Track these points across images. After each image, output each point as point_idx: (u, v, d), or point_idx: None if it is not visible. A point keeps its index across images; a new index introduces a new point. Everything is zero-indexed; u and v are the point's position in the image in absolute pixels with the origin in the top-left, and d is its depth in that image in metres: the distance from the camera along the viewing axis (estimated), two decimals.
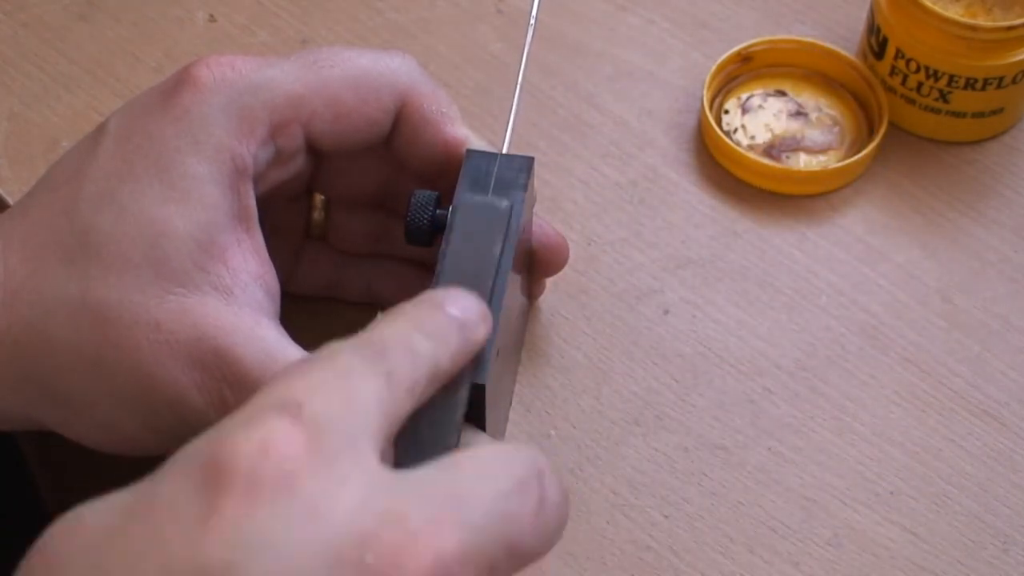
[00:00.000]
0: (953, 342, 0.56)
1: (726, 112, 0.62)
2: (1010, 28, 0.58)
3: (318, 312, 0.54)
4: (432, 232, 0.48)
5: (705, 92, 0.61)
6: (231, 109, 0.46)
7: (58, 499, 0.84)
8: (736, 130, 0.61)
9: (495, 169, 0.48)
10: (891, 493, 0.52)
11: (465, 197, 0.47)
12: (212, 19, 0.65)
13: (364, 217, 0.53)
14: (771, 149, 0.60)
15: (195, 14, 0.65)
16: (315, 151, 0.49)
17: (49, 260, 0.45)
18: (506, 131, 0.50)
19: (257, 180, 0.47)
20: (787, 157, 0.60)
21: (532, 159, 0.49)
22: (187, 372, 0.44)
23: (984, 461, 0.53)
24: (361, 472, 0.34)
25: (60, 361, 0.45)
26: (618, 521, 0.51)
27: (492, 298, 0.44)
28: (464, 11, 0.66)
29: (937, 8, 0.58)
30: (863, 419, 0.54)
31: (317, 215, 0.53)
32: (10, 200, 0.58)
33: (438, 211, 0.48)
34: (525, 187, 0.48)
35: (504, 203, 0.46)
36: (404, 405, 0.37)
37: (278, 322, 0.46)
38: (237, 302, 0.44)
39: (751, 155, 0.59)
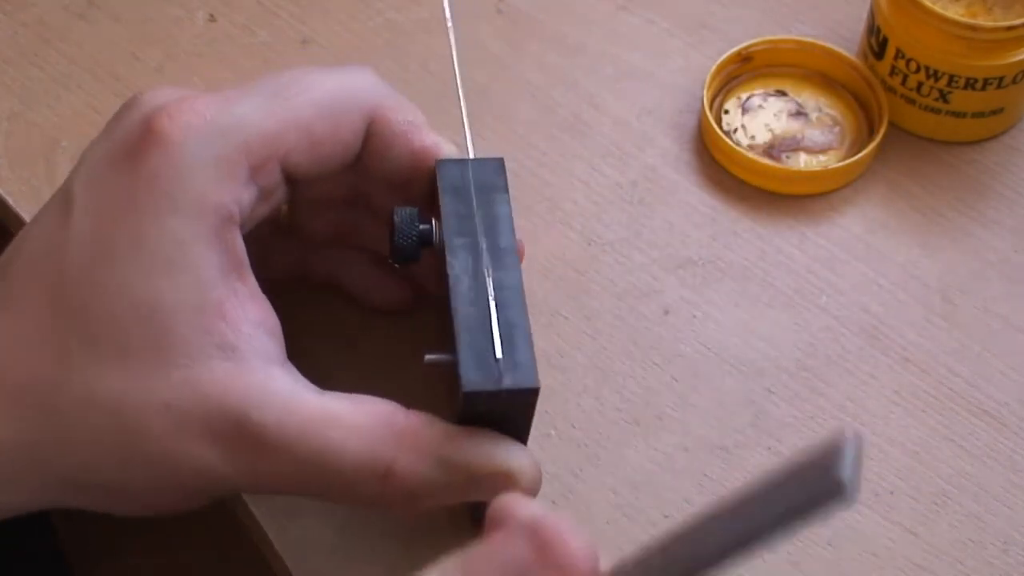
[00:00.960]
0: (953, 342, 0.56)
1: (726, 112, 0.62)
2: (1010, 28, 0.58)
3: (320, 315, 0.54)
4: (420, 247, 0.47)
5: (705, 92, 0.61)
6: (206, 159, 0.44)
7: None
8: (736, 130, 0.61)
9: (471, 175, 0.48)
10: (891, 493, 0.52)
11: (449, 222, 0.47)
12: (212, 19, 0.65)
13: (330, 213, 0.52)
14: (771, 149, 0.60)
15: (195, 14, 0.65)
16: (291, 179, 0.47)
17: (45, 358, 0.43)
18: (465, 136, 0.49)
19: (244, 223, 0.45)
20: (787, 157, 0.60)
21: (502, 159, 0.48)
22: (208, 447, 0.43)
23: (984, 461, 0.53)
24: None
25: (82, 458, 0.43)
26: (618, 521, 0.51)
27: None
28: (464, 11, 0.66)
29: (937, 8, 0.58)
30: (863, 419, 0.54)
31: (283, 211, 0.52)
32: (10, 200, 0.58)
33: (422, 226, 0.47)
34: (507, 188, 0.47)
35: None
36: None
37: (287, 363, 0.45)
38: (244, 357, 0.43)
39: (751, 155, 0.59)
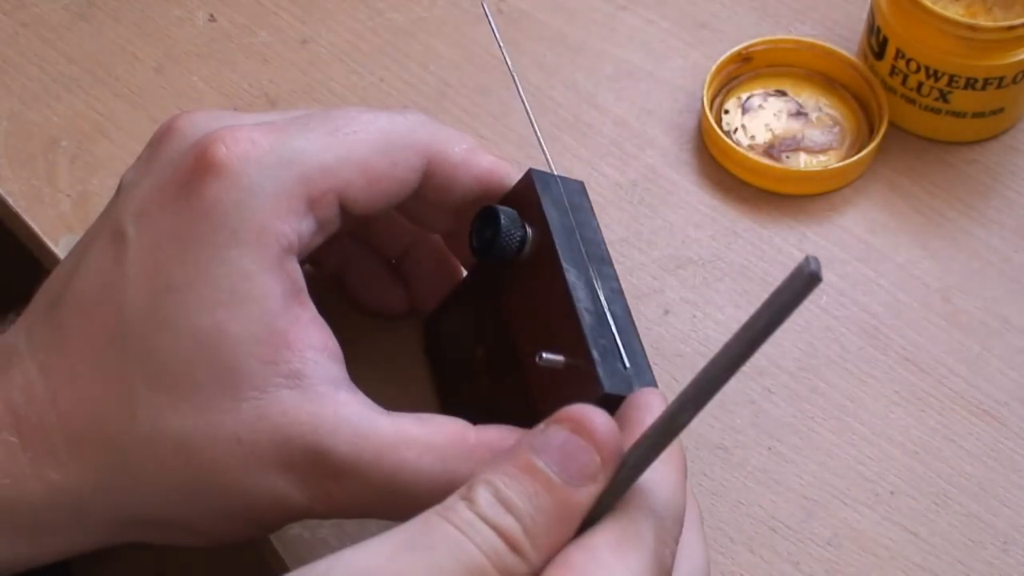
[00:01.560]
0: (953, 342, 0.56)
1: (726, 112, 0.62)
2: (1010, 28, 0.58)
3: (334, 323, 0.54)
4: (516, 251, 0.47)
5: (705, 92, 0.61)
6: (265, 187, 0.43)
7: None
8: (736, 130, 0.61)
9: (562, 191, 0.47)
10: (891, 493, 0.52)
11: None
12: (212, 19, 0.65)
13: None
14: (771, 149, 0.60)
15: (195, 14, 0.65)
16: (346, 213, 0.47)
17: (109, 399, 0.43)
18: (545, 153, 0.49)
19: (301, 252, 0.45)
20: (787, 157, 0.60)
21: (582, 183, 0.49)
22: (282, 477, 0.42)
23: (984, 461, 0.53)
24: None
25: (153, 497, 0.43)
26: None
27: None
28: (464, 11, 0.66)
29: (937, 8, 0.58)
30: (863, 419, 0.54)
31: None
32: (10, 200, 0.58)
33: (521, 231, 0.47)
34: (593, 210, 0.47)
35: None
36: None
37: (353, 386, 0.44)
38: (311, 384, 0.43)
39: (751, 155, 0.59)
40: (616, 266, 0.57)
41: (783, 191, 0.60)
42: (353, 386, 0.44)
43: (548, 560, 0.36)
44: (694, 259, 0.58)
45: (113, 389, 0.42)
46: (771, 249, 0.58)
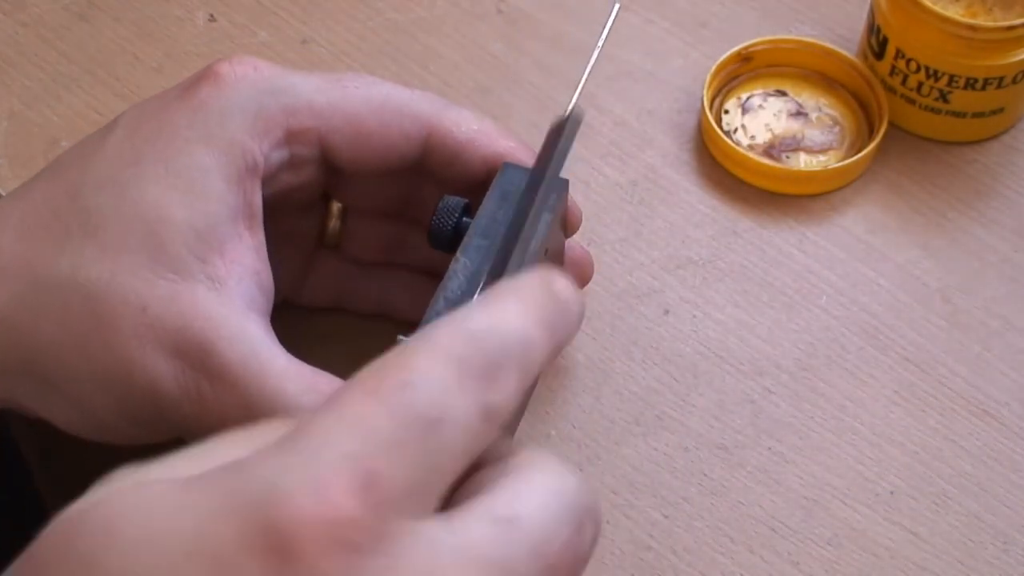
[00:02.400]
0: (953, 342, 0.56)
1: (726, 112, 0.62)
2: (1010, 28, 0.58)
3: (329, 323, 0.54)
4: (455, 239, 0.47)
5: (705, 92, 0.61)
6: (249, 106, 0.46)
7: (47, 479, 0.84)
8: (736, 130, 0.61)
9: (523, 184, 0.47)
10: (891, 493, 0.52)
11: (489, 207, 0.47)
12: (212, 19, 0.65)
13: (381, 226, 0.53)
14: (771, 149, 0.60)
15: (195, 14, 0.65)
16: (332, 165, 0.49)
17: (44, 239, 0.45)
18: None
19: (266, 181, 0.47)
20: (787, 157, 0.60)
21: (566, 181, 0.48)
22: (167, 360, 0.43)
23: (984, 461, 0.53)
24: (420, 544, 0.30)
25: (44, 338, 0.45)
26: (618, 521, 0.51)
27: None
28: (464, 11, 0.66)
29: (937, 8, 0.58)
30: (863, 419, 0.54)
31: (333, 224, 0.52)
32: None
33: (464, 219, 0.48)
34: (554, 209, 0.47)
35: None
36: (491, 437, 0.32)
37: (267, 321, 0.46)
38: (229, 293, 0.44)
39: (751, 155, 0.59)
40: (616, 266, 0.57)
41: (783, 191, 0.60)
42: (267, 320, 0.45)
43: None
44: (694, 259, 0.58)
45: (51, 232, 0.45)
46: (771, 249, 0.58)
